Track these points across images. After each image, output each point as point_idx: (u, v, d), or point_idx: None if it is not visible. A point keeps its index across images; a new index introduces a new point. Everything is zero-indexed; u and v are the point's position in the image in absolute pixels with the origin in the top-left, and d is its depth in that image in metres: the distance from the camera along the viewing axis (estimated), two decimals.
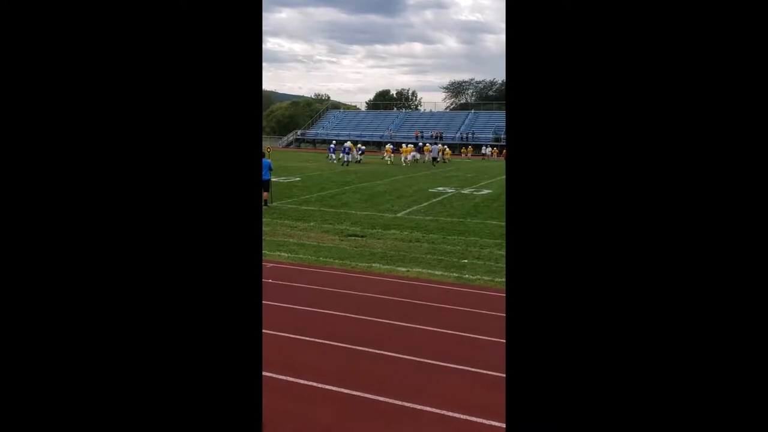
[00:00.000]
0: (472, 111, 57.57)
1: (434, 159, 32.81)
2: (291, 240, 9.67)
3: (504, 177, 25.78)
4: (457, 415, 3.63)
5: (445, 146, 37.51)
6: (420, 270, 7.88)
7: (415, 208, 14.15)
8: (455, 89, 78.82)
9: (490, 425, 3.51)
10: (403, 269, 7.90)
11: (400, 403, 3.78)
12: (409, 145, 34.70)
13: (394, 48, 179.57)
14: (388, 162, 32.03)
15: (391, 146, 35.54)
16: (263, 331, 4.91)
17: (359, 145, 34.07)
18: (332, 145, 33.90)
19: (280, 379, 4.06)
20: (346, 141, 33.60)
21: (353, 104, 71.89)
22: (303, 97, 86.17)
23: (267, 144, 36.98)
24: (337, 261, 8.32)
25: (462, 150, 40.43)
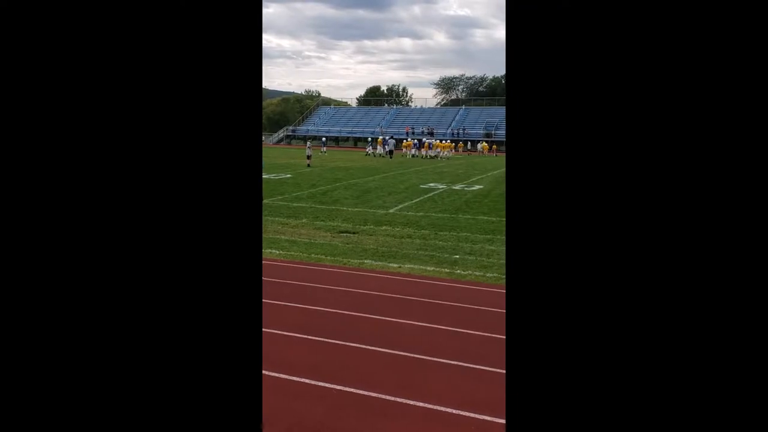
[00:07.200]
0: (463, 107, 57.60)
1: (390, 152, 35.86)
2: (283, 237, 9.66)
3: (495, 172, 25.66)
4: (449, 410, 3.66)
5: (441, 140, 38.77)
6: (412, 266, 7.90)
7: (406, 204, 14.16)
8: (446, 85, 78.84)
9: (482, 419, 3.53)
10: (395, 265, 7.92)
11: (392, 398, 3.80)
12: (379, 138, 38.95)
13: (383, 43, 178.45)
14: (408, 156, 35.35)
15: (415, 141, 38.58)
16: None
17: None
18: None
19: (273, 376, 4.06)
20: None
21: (344, 100, 71.73)
22: (293, 93, 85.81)
23: None
24: (329, 258, 8.32)
25: (461, 146, 42.01)
